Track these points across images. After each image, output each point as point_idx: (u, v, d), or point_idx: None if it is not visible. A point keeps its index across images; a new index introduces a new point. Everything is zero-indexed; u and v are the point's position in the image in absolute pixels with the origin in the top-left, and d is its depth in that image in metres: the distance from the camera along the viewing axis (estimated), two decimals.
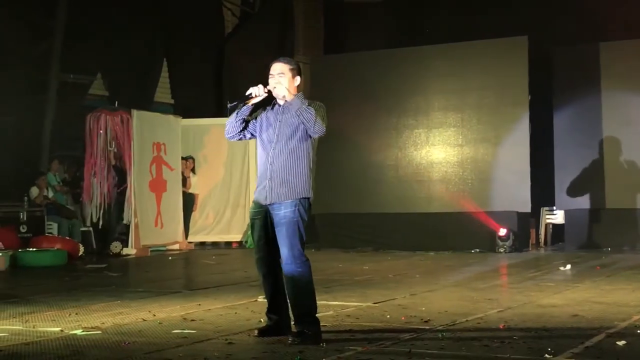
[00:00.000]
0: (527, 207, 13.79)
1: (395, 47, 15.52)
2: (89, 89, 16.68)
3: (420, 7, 17.34)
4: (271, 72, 5.77)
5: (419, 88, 14.65)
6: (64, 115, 15.35)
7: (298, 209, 5.62)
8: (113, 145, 14.36)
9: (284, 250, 5.59)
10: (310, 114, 5.61)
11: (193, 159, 15.83)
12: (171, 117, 15.73)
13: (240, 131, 5.84)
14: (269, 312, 5.85)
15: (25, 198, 13.83)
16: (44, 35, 15.23)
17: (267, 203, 5.67)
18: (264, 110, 5.85)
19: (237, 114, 5.77)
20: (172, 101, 18.23)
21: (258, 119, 5.84)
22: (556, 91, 14.40)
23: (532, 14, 15.42)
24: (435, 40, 15.01)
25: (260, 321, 6.15)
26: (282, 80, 5.72)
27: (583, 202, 14.07)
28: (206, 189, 16.02)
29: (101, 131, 14.20)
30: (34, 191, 14.03)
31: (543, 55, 14.32)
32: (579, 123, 14.12)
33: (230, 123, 5.83)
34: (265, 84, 5.76)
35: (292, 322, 5.71)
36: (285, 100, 5.71)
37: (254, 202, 5.83)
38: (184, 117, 15.86)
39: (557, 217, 14.78)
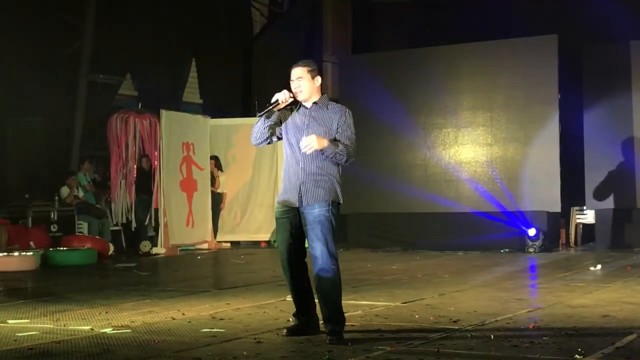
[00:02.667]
0: (557, 207, 13.72)
1: (424, 47, 15.47)
2: (119, 89, 16.80)
3: (449, 6, 17.27)
4: (292, 77, 5.79)
5: (448, 87, 14.60)
6: (94, 115, 15.47)
7: (331, 210, 5.67)
8: (136, 147, 14.53)
9: (319, 247, 5.60)
10: (343, 156, 5.69)
11: (217, 158, 15.86)
12: (200, 117, 15.79)
13: (267, 137, 5.84)
14: (298, 313, 5.87)
15: (56, 198, 13.96)
16: (73, 36, 15.35)
17: (301, 204, 5.69)
18: (291, 112, 5.86)
19: (264, 121, 5.78)
20: (200, 101, 18.32)
21: (284, 122, 5.85)
22: (586, 90, 14.27)
23: (562, 12, 15.31)
24: (464, 39, 14.95)
25: (289, 320, 6.15)
26: (301, 84, 5.76)
27: (614, 201, 13.94)
28: (235, 189, 16.06)
29: (129, 134, 14.38)
30: (65, 191, 14.15)
31: (573, 54, 14.22)
32: (609, 122, 13.99)
33: (258, 131, 5.82)
34: (289, 88, 5.80)
35: (323, 321, 5.71)
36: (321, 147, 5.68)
37: (279, 202, 5.83)
38: (213, 117, 15.91)
39: (588, 216, 14.67)
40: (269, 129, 5.80)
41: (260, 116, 5.78)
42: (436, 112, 14.69)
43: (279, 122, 5.84)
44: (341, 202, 5.78)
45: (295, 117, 5.82)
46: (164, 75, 16.92)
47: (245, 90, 18.35)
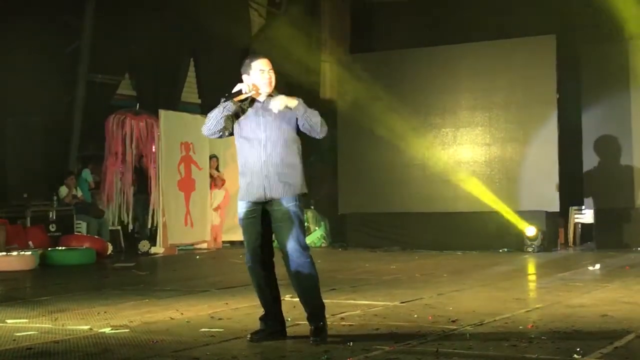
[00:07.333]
0: (555, 207, 13.73)
1: (422, 46, 15.47)
2: (117, 89, 16.79)
3: (448, 5, 17.25)
4: (262, 67, 5.67)
5: (446, 87, 14.60)
6: (92, 115, 15.46)
7: (298, 204, 5.59)
8: (132, 148, 14.56)
9: (292, 244, 5.51)
10: (318, 117, 5.61)
11: (217, 157, 15.85)
12: (198, 117, 15.73)
13: (222, 128, 5.67)
14: (266, 317, 5.72)
15: (55, 197, 13.96)
16: (72, 36, 15.35)
17: (268, 199, 5.56)
18: (242, 106, 5.71)
19: (222, 110, 5.62)
20: (199, 101, 18.31)
21: (241, 116, 5.70)
22: (585, 90, 14.27)
23: (560, 12, 15.31)
24: (462, 39, 14.95)
25: (288, 319, 6.15)
26: (272, 75, 5.68)
27: (612, 201, 13.95)
28: (235, 188, 16.01)
29: (126, 136, 14.41)
30: (63, 190, 14.16)
31: (571, 54, 14.23)
32: (607, 121, 14.00)
33: (214, 118, 5.63)
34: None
35: (307, 318, 5.66)
36: (287, 106, 5.60)
37: (244, 202, 5.68)
38: None
39: (586, 216, 14.67)
40: (225, 119, 5.63)
41: (225, 100, 5.59)
42: (435, 112, 14.69)
43: (236, 115, 5.68)
44: (307, 192, 5.69)
45: (250, 111, 5.68)
46: (162, 75, 16.93)
47: None
